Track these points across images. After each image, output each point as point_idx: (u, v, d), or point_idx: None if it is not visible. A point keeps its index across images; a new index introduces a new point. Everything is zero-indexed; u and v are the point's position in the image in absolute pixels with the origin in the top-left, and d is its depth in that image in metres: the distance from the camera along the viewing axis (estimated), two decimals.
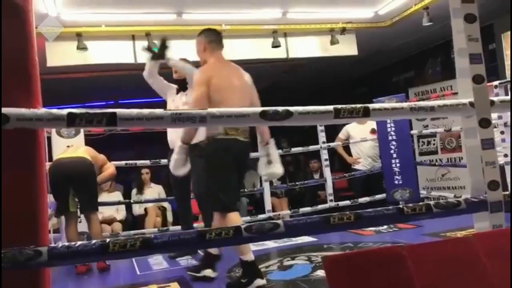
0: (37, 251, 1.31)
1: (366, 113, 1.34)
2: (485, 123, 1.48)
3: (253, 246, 3.99)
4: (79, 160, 3.91)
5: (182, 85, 3.91)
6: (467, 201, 1.45)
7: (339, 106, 1.33)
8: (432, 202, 1.42)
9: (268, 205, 5.42)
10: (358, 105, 1.37)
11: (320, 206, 5.71)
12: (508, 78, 5.29)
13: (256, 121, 1.33)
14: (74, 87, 7.22)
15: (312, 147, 5.80)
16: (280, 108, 1.30)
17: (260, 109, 1.32)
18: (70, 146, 4.31)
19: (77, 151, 4.03)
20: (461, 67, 1.55)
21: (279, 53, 6.17)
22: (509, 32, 5.74)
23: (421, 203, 1.41)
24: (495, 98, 1.55)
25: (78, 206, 3.95)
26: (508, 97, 1.66)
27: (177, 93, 3.93)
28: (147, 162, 5.21)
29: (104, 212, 5.61)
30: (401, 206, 1.39)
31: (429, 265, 1.33)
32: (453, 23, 1.59)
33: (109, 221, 5.79)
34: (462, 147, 6.15)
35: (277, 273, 3.16)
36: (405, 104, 1.45)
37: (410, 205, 1.39)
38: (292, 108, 1.30)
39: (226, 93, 2.81)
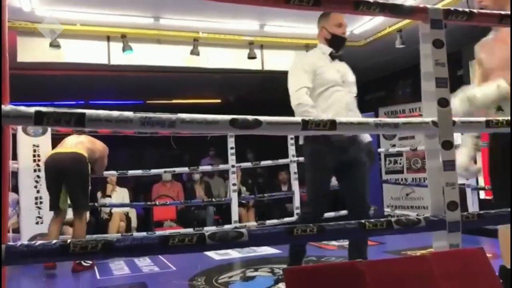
0: None
1: (332, 126, 1.38)
2: (447, 145, 1.54)
3: (217, 256, 3.99)
4: (73, 156, 3.86)
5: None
6: (426, 220, 1.49)
7: (307, 118, 1.36)
8: (393, 219, 1.46)
9: (235, 216, 5.40)
10: (325, 118, 1.40)
11: (286, 219, 5.73)
12: None
13: (225, 128, 1.35)
14: (44, 84, 7.09)
15: (281, 161, 5.83)
16: (249, 117, 1.32)
17: (230, 117, 1.34)
18: (67, 137, 4.19)
19: (73, 145, 3.98)
20: (426, 90, 1.61)
21: (254, 65, 6.22)
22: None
23: (382, 219, 1.44)
24: (456, 119, 1.61)
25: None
26: (470, 119, 1.72)
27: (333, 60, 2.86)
28: (114, 172, 5.18)
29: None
30: (363, 221, 1.42)
31: (386, 282, 1.36)
32: (422, 48, 1.64)
33: (72, 223, 5.65)
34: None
35: (239, 284, 3.16)
36: (370, 120, 1.49)
37: (372, 220, 1.42)
38: (261, 118, 1.33)
39: None
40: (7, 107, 1.34)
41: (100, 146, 4.22)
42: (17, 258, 1.32)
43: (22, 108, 1.34)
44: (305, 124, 1.34)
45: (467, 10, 1.68)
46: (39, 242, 1.37)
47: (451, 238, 1.51)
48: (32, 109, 1.34)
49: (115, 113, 1.35)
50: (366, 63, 7.20)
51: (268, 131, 1.37)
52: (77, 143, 4.02)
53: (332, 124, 1.36)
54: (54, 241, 1.37)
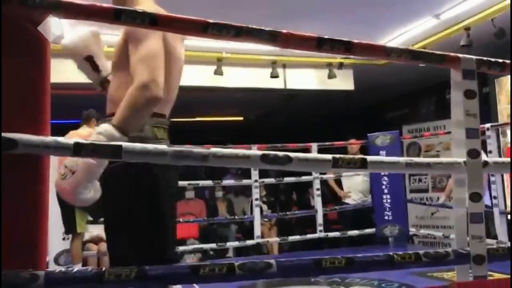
0: (34, 274, 1.33)
1: (363, 165, 1.39)
2: (476, 197, 1.51)
3: None
4: None
5: None
6: (455, 253, 1.49)
7: (337, 156, 1.38)
8: (421, 252, 1.46)
9: (257, 231, 5.40)
10: (356, 157, 1.42)
11: (309, 236, 5.74)
12: (499, 122, 5.42)
13: (256, 164, 1.38)
14: (70, 103, 7.26)
15: (304, 178, 5.84)
16: (280, 153, 1.35)
17: (260, 152, 1.37)
18: None
19: None
20: (457, 137, 1.58)
21: (277, 83, 6.28)
22: (502, 78, 5.89)
23: (411, 252, 1.45)
24: (489, 160, 1.59)
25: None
26: (502, 159, 1.71)
27: None
28: None
29: (92, 231, 5.57)
30: (391, 253, 1.44)
31: None
32: (453, 95, 1.61)
33: (96, 241, 5.74)
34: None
35: None
36: (401, 159, 1.49)
37: (400, 253, 1.43)
38: (292, 154, 1.36)
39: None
40: (48, 138, 1.41)
41: None
42: (55, 285, 1.37)
43: (62, 140, 1.40)
44: (336, 162, 1.36)
45: (500, 60, 1.67)
46: (76, 269, 1.42)
47: None
48: (71, 141, 1.40)
49: (150, 146, 1.41)
50: (389, 80, 7.20)
51: (298, 168, 1.40)
52: None
53: (362, 162, 1.38)
54: (90, 268, 1.43)
